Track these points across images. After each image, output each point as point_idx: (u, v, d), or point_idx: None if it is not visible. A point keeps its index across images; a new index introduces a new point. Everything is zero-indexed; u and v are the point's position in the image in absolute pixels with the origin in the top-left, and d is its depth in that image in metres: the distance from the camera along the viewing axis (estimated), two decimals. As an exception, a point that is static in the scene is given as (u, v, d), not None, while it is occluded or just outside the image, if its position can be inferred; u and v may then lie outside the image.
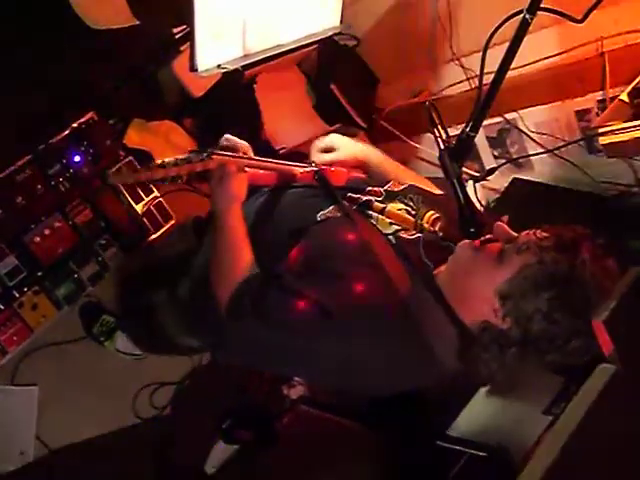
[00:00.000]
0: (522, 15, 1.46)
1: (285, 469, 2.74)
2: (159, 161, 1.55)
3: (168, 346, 2.20)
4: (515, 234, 1.50)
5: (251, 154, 1.74)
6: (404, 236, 1.62)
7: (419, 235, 1.62)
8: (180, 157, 1.57)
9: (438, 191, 1.93)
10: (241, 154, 1.70)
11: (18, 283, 2.36)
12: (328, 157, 1.86)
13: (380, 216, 1.67)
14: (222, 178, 1.63)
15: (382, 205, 1.69)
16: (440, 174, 1.59)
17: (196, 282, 1.91)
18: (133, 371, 2.84)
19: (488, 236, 1.50)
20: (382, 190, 1.77)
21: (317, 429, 2.91)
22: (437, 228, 1.62)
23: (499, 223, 1.52)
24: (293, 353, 1.53)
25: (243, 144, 1.72)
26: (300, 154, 1.96)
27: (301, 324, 1.49)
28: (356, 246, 1.57)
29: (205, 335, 1.95)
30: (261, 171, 1.79)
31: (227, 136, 1.72)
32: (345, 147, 1.89)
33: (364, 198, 1.72)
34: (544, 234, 1.44)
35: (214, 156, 1.61)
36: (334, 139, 1.91)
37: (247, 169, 1.72)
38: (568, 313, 1.38)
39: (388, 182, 1.81)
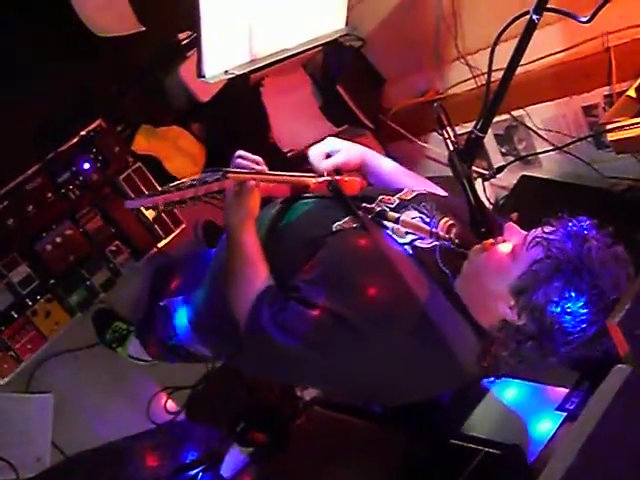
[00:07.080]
0: (528, 16, 1.46)
1: (299, 470, 2.74)
2: (175, 183, 1.55)
3: (181, 355, 2.20)
4: (524, 232, 1.50)
5: (264, 167, 1.74)
6: (420, 245, 1.61)
7: (435, 243, 1.61)
8: (195, 178, 1.58)
9: (442, 192, 1.93)
10: (255, 168, 1.70)
11: (31, 291, 2.39)
12: (332, 161, 1.84)
13: (396, 226, 1.66)
14: (240, 194, 1.63)
15: (397, 215, 1.67)
16: (449, 173, 1.59)
17: (212, 293, 1.91)
18: (146, 376, 2.85)
19: (500, 238, 1.51)
20: (395, 199, 1.75)
21: (331, 430, 2.91)
22: (452, 235, 1.63)
23: (510, 224, 1.52)
24: (312, 364, 1.53)
25: (257, 158, 1.72)
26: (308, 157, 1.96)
27: (319, 335, 1.49)
28: (372, 256, 1.57)
29: (220, 344, 1.95)
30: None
31: (240, 152, 1.72)
32: (345, 148, 1.88)
33: (378, 208, 1.71)
34: (551, 228, 1.44)
35: (229, 175, 1.61)
36: (333, 143, 1.89)
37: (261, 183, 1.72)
38: (580, 301, 1.36)
39: (399, 190, 1.79)
